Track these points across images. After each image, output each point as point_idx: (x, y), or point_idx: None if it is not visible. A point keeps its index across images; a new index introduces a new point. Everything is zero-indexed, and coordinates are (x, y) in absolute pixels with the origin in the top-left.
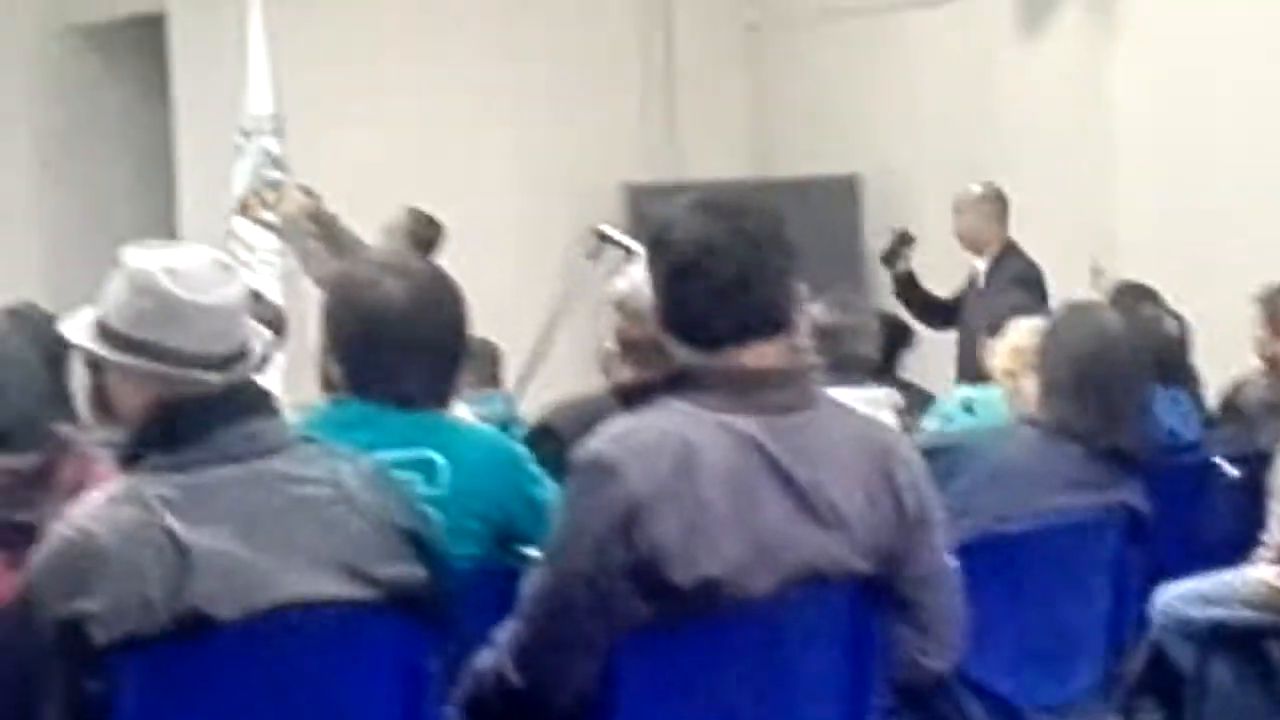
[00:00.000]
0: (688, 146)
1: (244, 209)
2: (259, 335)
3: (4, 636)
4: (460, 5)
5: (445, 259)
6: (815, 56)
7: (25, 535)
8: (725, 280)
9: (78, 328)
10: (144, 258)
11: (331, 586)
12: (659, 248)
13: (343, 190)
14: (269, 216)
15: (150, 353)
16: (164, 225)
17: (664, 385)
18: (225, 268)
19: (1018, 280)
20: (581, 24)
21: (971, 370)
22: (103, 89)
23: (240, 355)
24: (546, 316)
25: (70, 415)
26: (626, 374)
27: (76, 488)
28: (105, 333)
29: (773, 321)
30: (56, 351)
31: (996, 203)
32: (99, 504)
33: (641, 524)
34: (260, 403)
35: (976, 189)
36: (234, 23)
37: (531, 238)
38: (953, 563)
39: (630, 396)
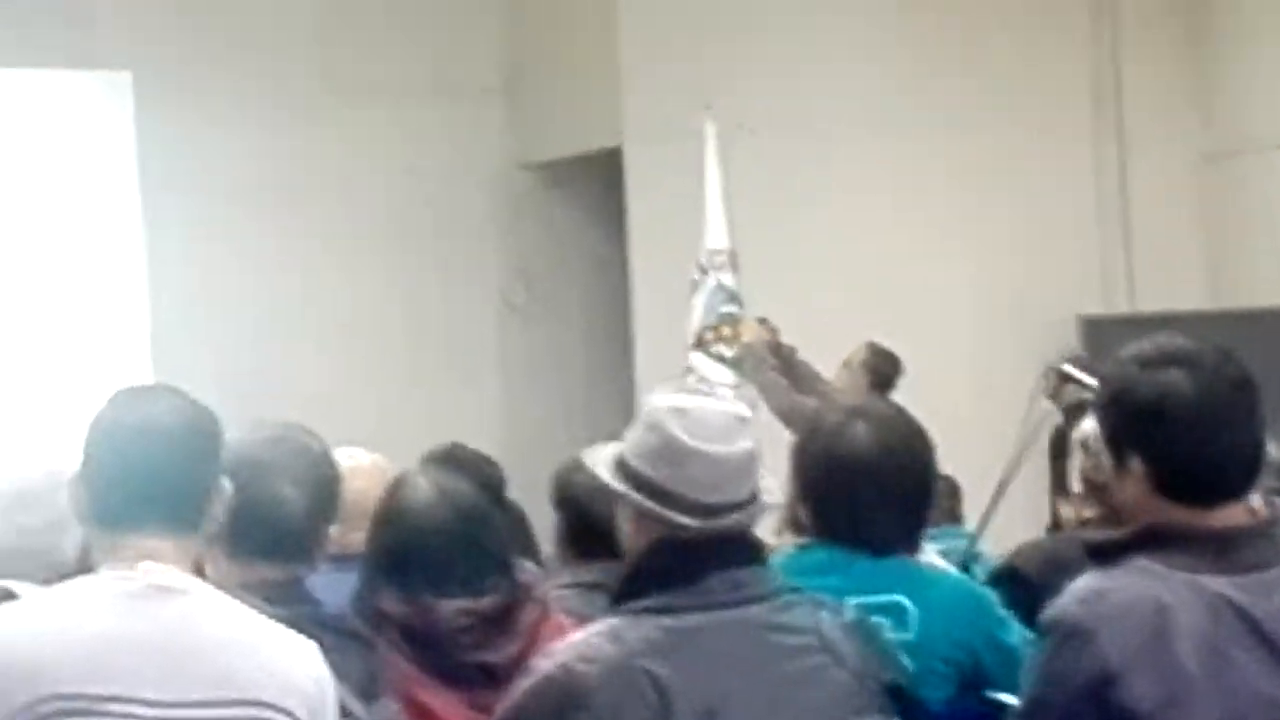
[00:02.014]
0: (1143, 278)
1: (700, 343)
2: (768, 490)
3: None
4: (915, 140)
5: (900, 391)
6: (1272, 183)
7: (486, 677)
8: (1199, 434)
9: (600, 458)
10: (663, 397)
11: None
12: (1123, 405)
13: (797, 324)
14: (725, 350)
15: (645, 489)
16: (621, 359)
17: (1133, 542)
18: (740, 421)
19: None
20: (1036, 156)
21: None
22: (562, 224)
23: (735, 506)
24: (1011, 453)
25: (536, 559)
26: (1089, 514)
27: (536, 631)
28: (619, 465)
29: (1247, 472)
30: (496, 494)
31: None
32: (583, 643)
33: (1115, 691)
34: (750, 552)
35: None
36: (689, 158)
37: (986, 370)
38: None
39: (1099, 552)
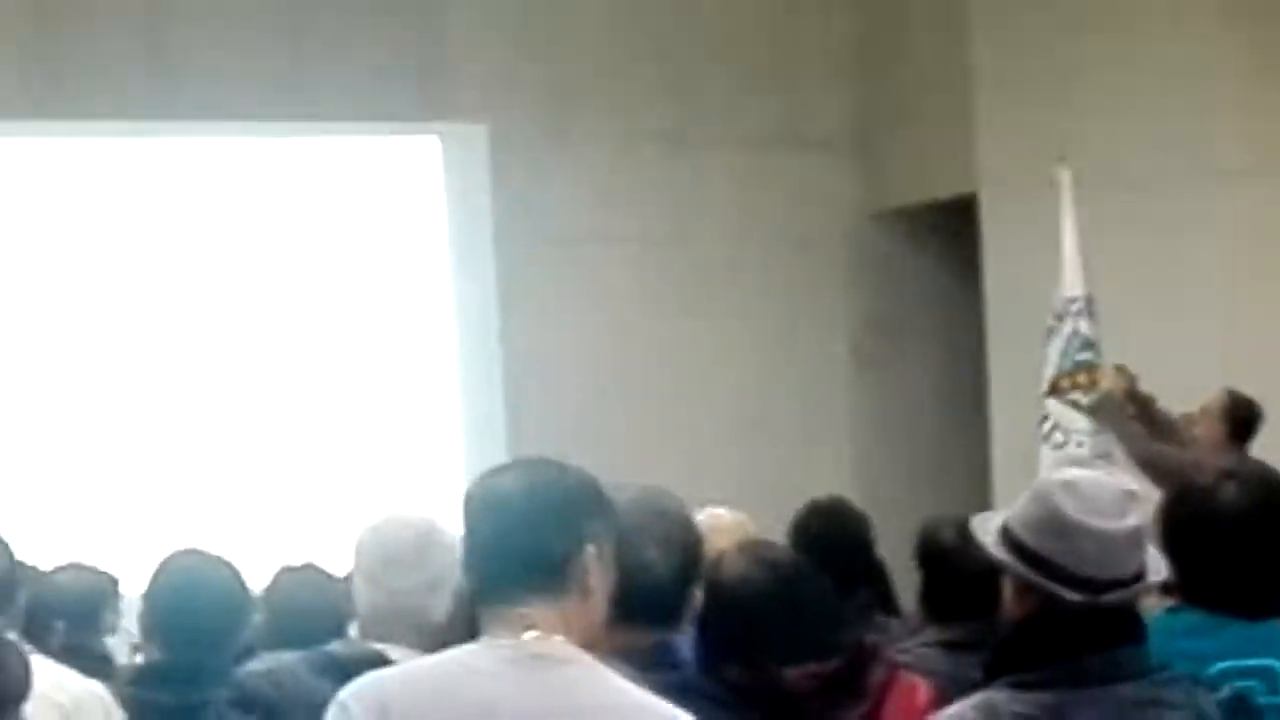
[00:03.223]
0: None
1: (1055, 390)
2: (1155, 569)
3: None
4: (1277, 189)
5: (1259, 440)
6: None
7: None
8: None
9: (988, 526)
10: (1055, 470)
11: None
12: None
13: (1154, 371)
14: (1081, 398)
15: (1029, 560)
16: (975, 409)
17: None
18: (1130, 496)
19: None
20: None
21: None
22: (913, 273)
23: (1119, 582)
24: None
25: (895, 613)
26: None
27: (884, 692)
28: (1004, 534)
29: None
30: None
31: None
32: (958, 717)
33: None
34: (1130, 629)
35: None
36: (1045, 205)
37: None
38: None
39: None
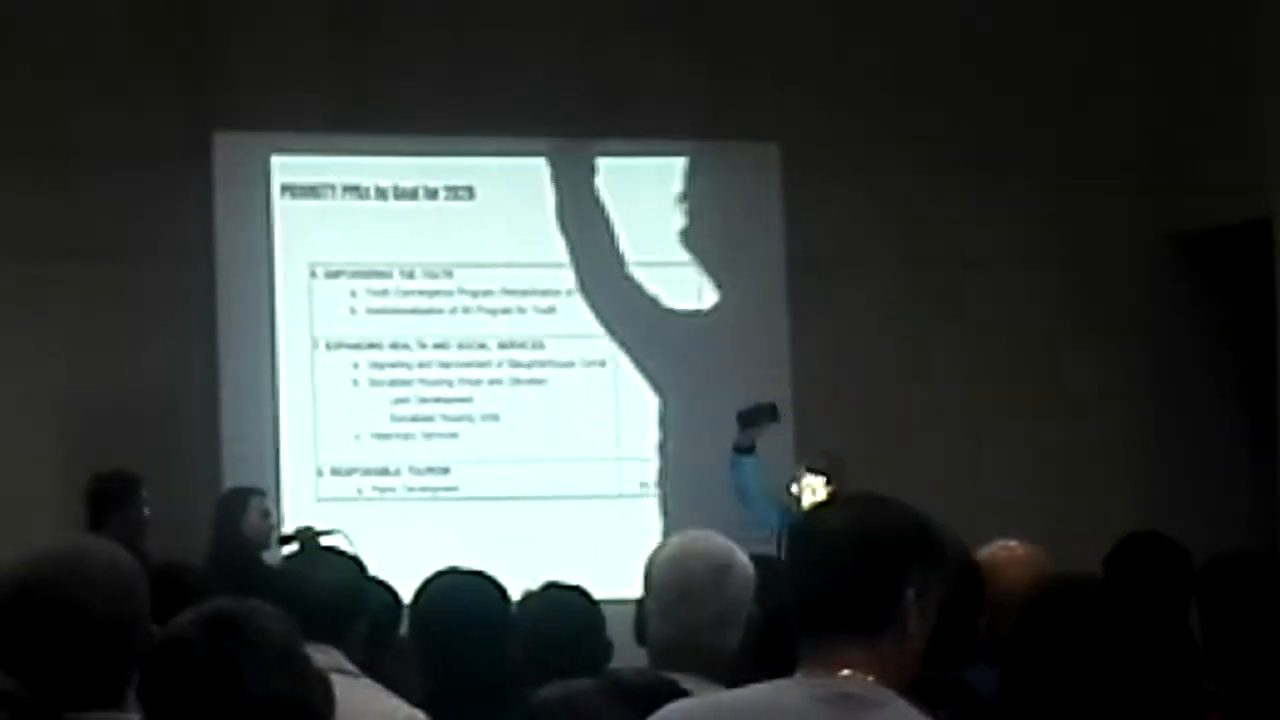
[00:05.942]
0: None
1: None
2: None
3: None
4: None
5: None
6: None
7: None
8: None
9: None
10: None
11: None
12: None
13: None
14: None
15: None
16: (1267, 437)
17: None
18: None
19: None
20: None
21: None
22: (1205, 300)
23: None
24: None
25: None
26: None
27: None
28: None
29: None
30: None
31: None
32: None
33: None
34: None
35: None
36: None
37: None
38: None
39: None
